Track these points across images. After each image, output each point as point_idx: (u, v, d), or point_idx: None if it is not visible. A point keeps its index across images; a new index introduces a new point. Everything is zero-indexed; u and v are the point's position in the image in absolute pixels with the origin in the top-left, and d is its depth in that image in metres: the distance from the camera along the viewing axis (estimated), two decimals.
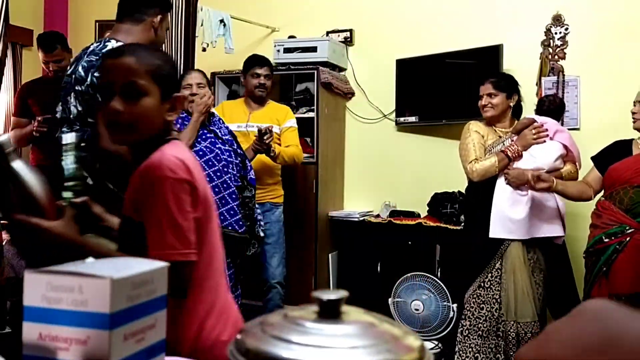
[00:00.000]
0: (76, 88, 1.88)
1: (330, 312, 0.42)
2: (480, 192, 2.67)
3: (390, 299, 3.38)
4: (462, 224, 3.35)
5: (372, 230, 3.71)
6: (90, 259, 0.55)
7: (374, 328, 0.41)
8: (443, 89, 3.76)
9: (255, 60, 3.29)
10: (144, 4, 2.03)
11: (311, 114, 3.80)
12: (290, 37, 4.09)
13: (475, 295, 2.62)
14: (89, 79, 1.87)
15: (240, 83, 3.44)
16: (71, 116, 1.88)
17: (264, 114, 3.28)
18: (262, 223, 2.84)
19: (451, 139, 3.77)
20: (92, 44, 2.00)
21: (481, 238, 2.60)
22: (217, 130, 2.71)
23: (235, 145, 2.72)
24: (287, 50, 3.90)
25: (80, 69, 1.89)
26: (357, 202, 4.12)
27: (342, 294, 0.42)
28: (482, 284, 2.60)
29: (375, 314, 0.44)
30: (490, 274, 2.59)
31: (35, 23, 4.77)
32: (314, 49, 3.84)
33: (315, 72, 3.76)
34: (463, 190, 3.44)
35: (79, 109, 1.87)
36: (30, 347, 0.49)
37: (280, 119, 3.29)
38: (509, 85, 2.74)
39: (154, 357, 0.54)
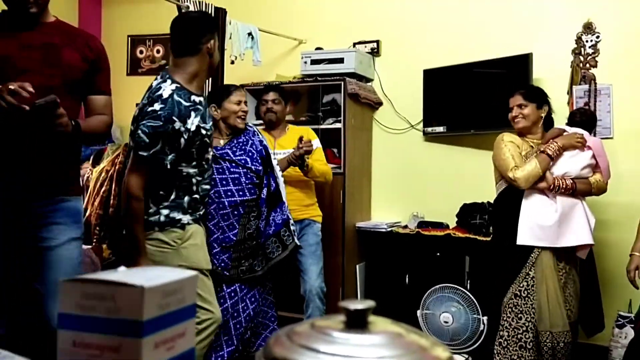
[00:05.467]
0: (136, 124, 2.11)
1: (357, 322, 0.42)
2: (509, 199, 2.63)
3: (418, 311, 3.34)
4: (491, 234, 3.30)
5: (400, 241, 3.68)
6: (122, 268, 0.56)
7: (402, 338, 0.41)
8: (471, 99, 3.73)
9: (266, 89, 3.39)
10: (198, 34, 2.13)
11: (338, 125, 3.81)
12: (317, 48, 4.12)
13: (512, 305, 2.54)
14: (137, 122, 2.06)
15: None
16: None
17: (289, 139, 3.28)
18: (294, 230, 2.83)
19: (480, 149, 3.73)
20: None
21: (510, 245, 2.55)
22: (230, 152, 2.72)
23: (250, 162, 2.72)
24: (314, 62, 3.92)
25: (140, 106, 2.11)
26: (385, 212, 4.10)
27: (370, 303, 0.42)
28: (519, 293, 2.53)
29: (403, 324, 0.44)
30: (525, 282, 2.52)
31: None
32: (340, 60, 3.86)
33: (342, 83, 3.77)
34: (492, 201, 3.40)
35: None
36: (64, 355, 0.50)
37: None
38: (539, 96, 2.72)
39: None
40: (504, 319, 2.57)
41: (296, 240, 2.77)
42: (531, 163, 2.53)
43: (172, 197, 2.13)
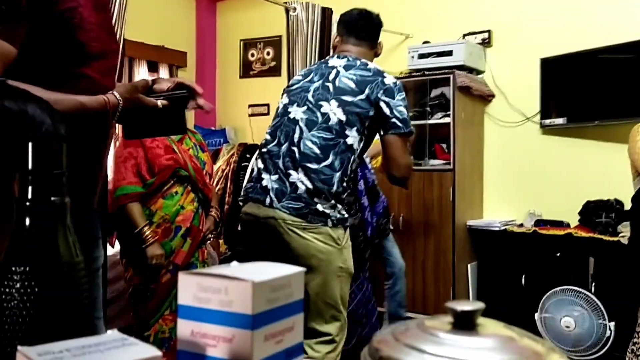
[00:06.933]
0: (342, 97, 1.94)
1: (465, 324, 0.40)
2: None
3: (537, 314, 3.16)
4: (620, 235, 3.04)
5: (515, 240, 3.51)
6: (234, 263, 0.59)
7: (514, 343, 0.39)
8: (596, 87, 3.45)
9: None
10: (379, 31, 2.19)
11: (447, 119, 3.71)
12: (424, 42, 4.04)
13: None
14: (364, 94, 1.92)
15: None
16: (329, 123, 1.92)
17: None
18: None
19: (605, 141, 3.46)
20: (330, 58, 2.10)
21: None
22: None
23: None
24: (422, 56, 3.85)
25: (347, 80, 1.96)
26: (498, 210, 3.93)
27: (478, 305, 0.40)
28: None
29: (515, 328, 0.42)
30: None
31: (188, 45, 5.25)
32: (449, 53, 3.75)
33: (451, 76, 3.67)
34: (620, 198, 3.13)
35: (341, 118, 1.92)
36: (184, 343, 0.54)
37: None
38: None
39: (293, 359, 0.56)
40: None
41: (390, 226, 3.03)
42: None
43: (350, 187, 2.00)
